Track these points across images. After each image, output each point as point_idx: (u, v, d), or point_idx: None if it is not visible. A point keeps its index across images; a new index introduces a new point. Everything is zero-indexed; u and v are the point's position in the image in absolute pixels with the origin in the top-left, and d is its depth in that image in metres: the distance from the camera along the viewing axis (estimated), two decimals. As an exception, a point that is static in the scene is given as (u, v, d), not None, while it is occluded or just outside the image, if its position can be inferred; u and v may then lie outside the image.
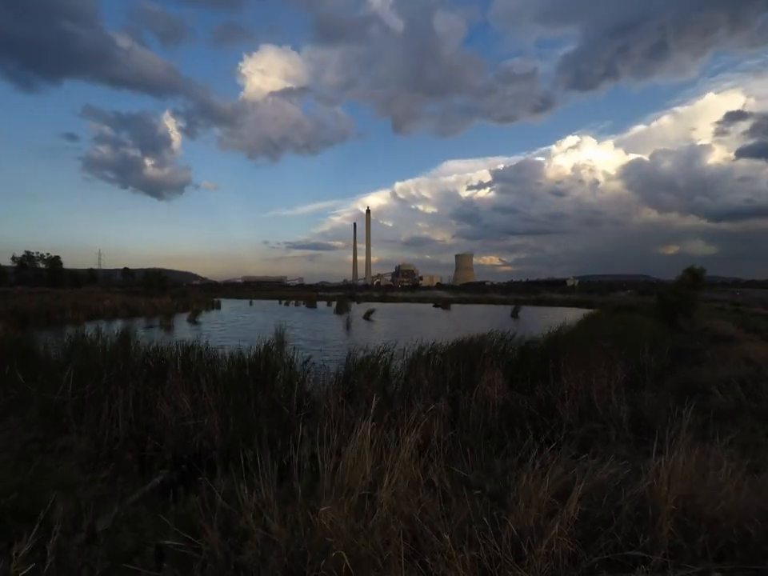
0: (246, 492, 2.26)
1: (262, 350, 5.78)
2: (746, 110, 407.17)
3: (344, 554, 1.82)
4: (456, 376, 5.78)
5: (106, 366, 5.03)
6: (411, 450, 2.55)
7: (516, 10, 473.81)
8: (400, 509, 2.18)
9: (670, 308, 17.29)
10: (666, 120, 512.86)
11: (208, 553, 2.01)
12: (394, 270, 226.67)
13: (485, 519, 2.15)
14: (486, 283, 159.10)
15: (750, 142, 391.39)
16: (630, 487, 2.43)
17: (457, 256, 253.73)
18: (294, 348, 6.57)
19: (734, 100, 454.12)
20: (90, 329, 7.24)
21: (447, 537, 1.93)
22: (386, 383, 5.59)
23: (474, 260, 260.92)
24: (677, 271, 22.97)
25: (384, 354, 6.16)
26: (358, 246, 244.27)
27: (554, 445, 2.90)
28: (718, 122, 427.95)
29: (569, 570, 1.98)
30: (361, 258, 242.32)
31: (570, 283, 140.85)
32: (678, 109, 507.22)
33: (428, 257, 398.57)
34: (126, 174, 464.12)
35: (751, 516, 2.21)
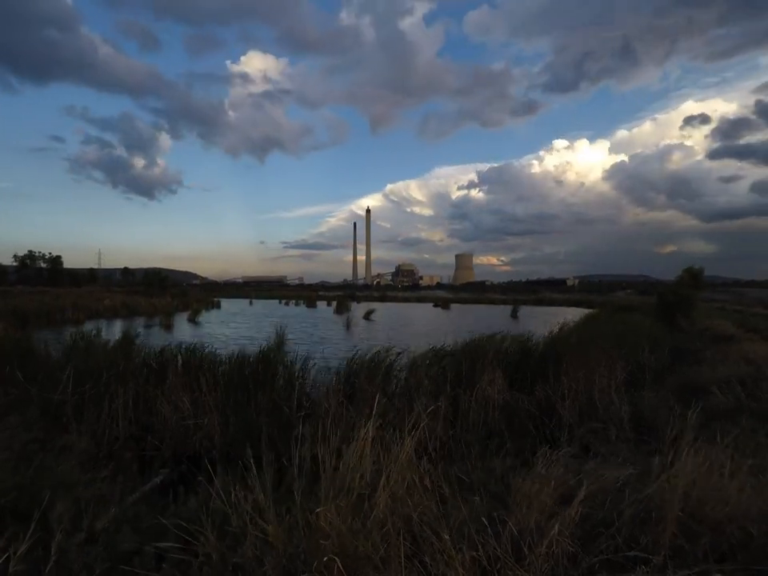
0: (243, 493, 2.24)
1: (262, 349, 5.77)
2: (714, 115, 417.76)
3: (339, 556, 1.81)
4: (456, 376, 5.77)
5: (106, 365, 5.02)
6: (411, 449, 2.55)
7: (489, 22, 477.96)
8: (399, 509, 2.18)
9: (670, 308, 17.28)
10: (646, 125, 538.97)
11: (204, 555, 2.01)
12: (394, 270, 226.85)
13: (484, 519, 2.14)
14: (486, 283, 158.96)
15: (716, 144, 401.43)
16: (634, 489, 2.42)
17: (457, 256, 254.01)
18: (294, 348, 6.57)
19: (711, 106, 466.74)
20: (90, 328, 7.23)
21: (447, 537, 1.92)
22: (387, 383, 5.58)
23: (474, 260, 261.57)
24: (677, 271, 23.11)
25: (384, 354, 6.15)
26: (358, 246, 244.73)
27: (554, 445, 2.89)
28: (688, 125, 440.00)
29: (569, 570, 1.98)
30: (360, 257, 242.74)
31: (569, 283, 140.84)
32: (658, 115, 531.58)
33: (426, 256, 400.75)
34: (114, 175, 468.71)
35: (753, 517, 2.20)
